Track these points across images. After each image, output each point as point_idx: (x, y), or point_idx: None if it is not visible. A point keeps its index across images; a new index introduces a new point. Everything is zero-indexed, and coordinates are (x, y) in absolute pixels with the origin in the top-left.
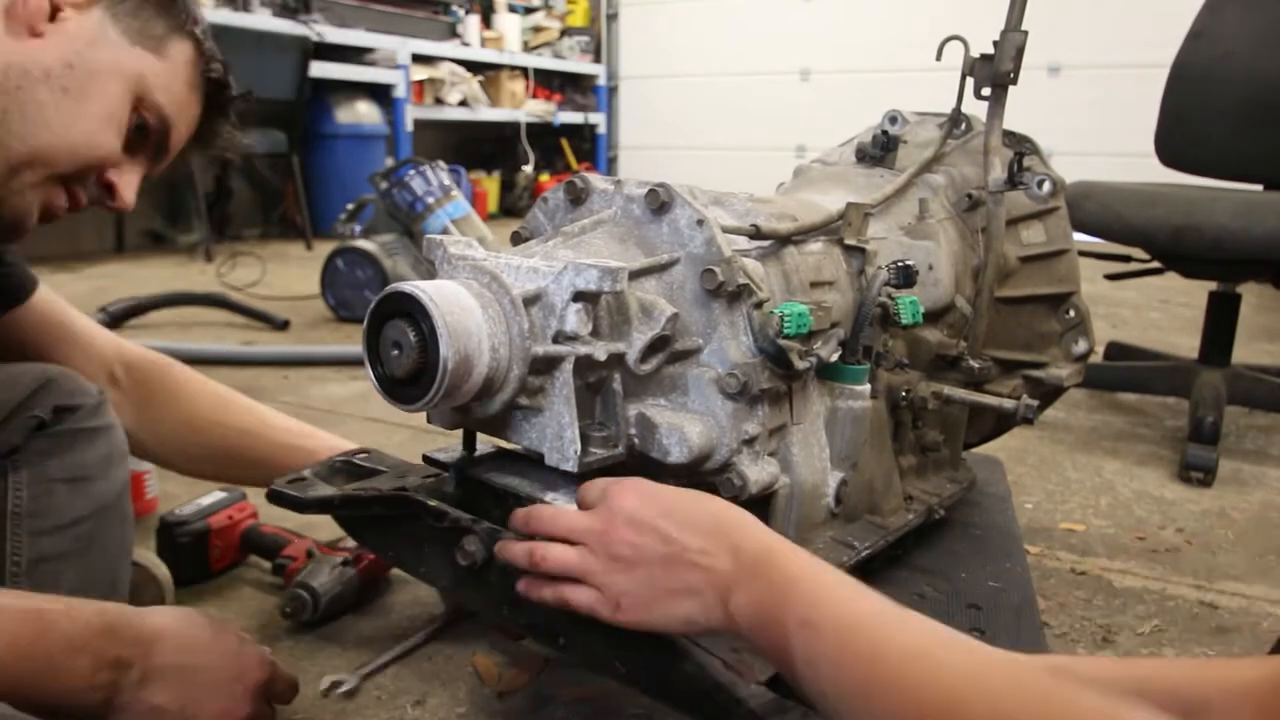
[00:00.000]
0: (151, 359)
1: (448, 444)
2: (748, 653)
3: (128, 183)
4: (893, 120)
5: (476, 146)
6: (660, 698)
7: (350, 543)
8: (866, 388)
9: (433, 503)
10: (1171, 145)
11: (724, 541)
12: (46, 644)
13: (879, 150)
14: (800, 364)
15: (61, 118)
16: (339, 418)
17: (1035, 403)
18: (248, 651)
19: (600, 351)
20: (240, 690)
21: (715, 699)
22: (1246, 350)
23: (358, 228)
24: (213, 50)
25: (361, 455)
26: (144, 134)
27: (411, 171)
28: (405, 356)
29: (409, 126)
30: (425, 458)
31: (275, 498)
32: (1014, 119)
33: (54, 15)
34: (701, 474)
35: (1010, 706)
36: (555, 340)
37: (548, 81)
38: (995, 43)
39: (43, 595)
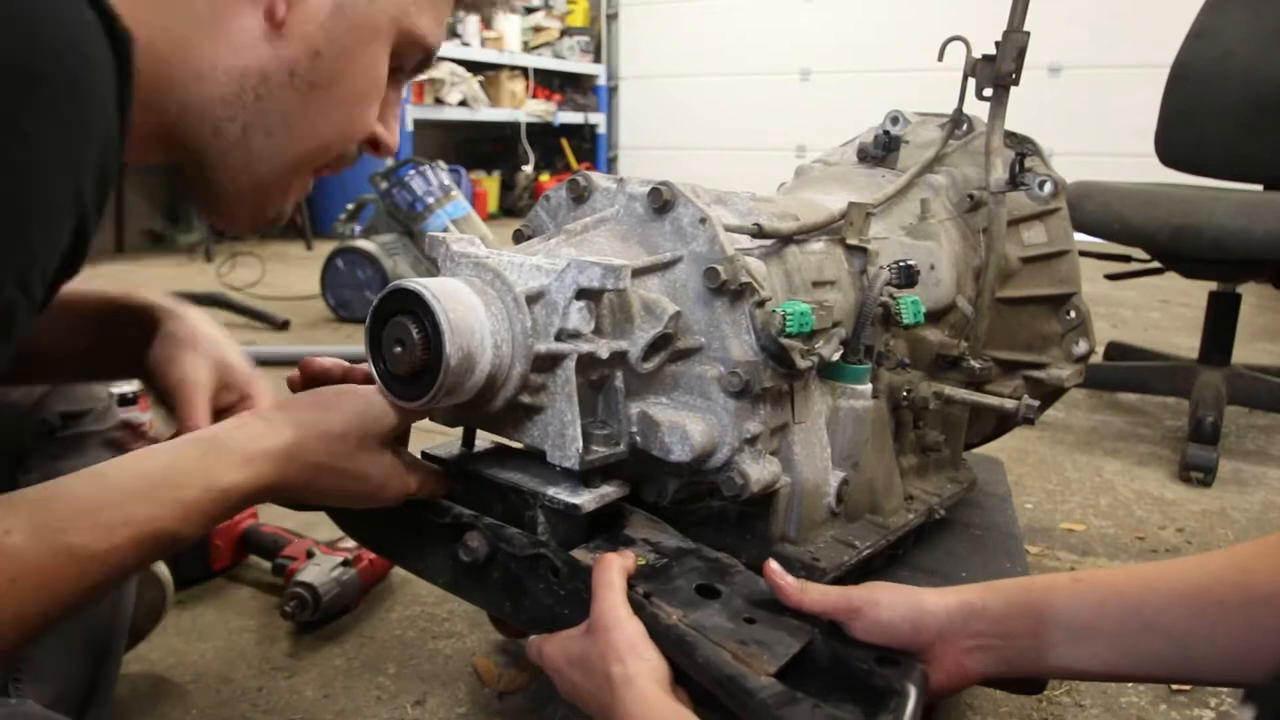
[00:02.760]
0: None
1: (446, 441)
2: (756, 644)
3: (390, 126)
4: (894, 120)
5: (476, 146)
6: None
7: (350, 543)
8: (868, 387)
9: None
10: (1171, 145)
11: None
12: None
13: (880, 150)
14: (802, 363)
15: (311, 118)
16: None
17: (1036, 403)
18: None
19: (603, 349)
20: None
21: (726, 690)
22: (1246, 350)
23: (358, 228)
24: None
25: None
26: (401, 64)
27: (411, 171)
28: (408, 354)
29: (409, 126)
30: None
31: None
32: (1015, 119)
33: None
34: (703, 473)
35: None
36: (558, 338)
37: (548, 81)
38: (997, 43)
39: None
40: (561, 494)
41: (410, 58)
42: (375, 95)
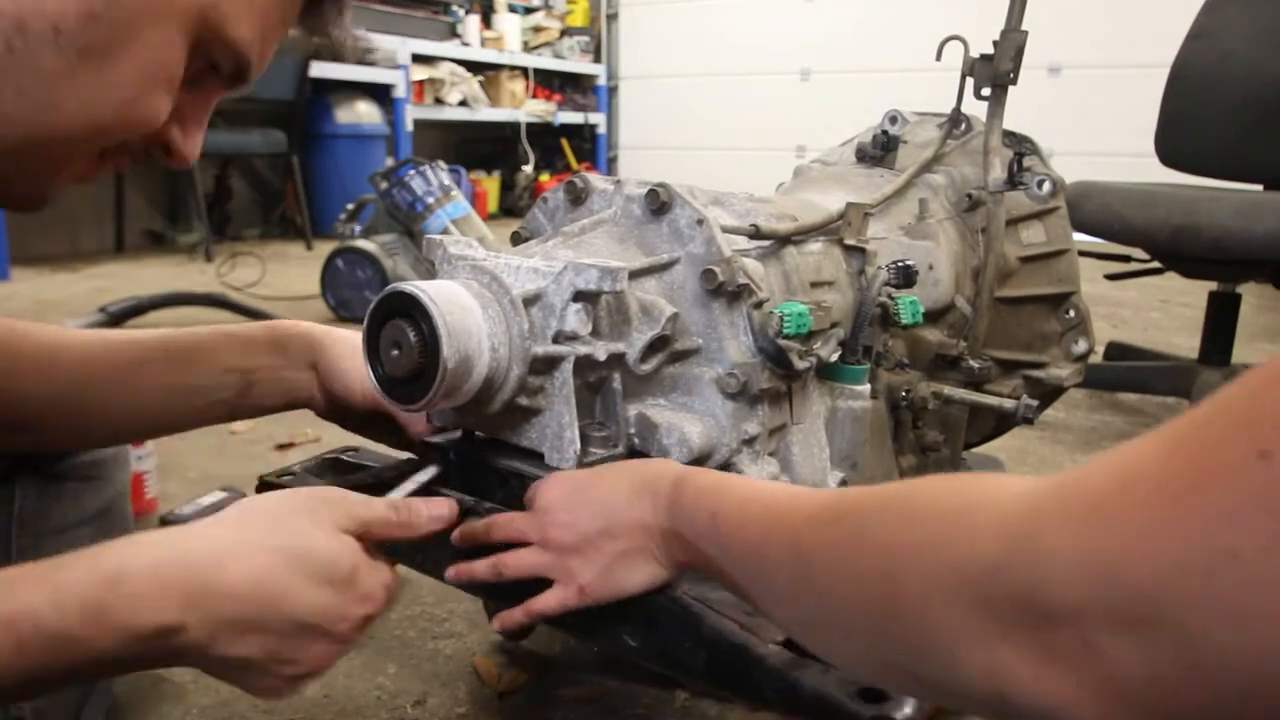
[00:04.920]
0: None
1: (446, 435)
2: (760, 616)
3: (190, 134)
4: (893, 120)
5: (476, 146)
6: (674, 667)
7: None
8: (866, 388)
9: (435, 468)
10: (1171, 145)
11: (644, 492)
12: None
13: (879, 150)
14: (800, 364)
15: (80, 90)
16: None
17: (1035, 403)
18: (363, 582)
19: (600, 351)
20: (346, 629)
21: (734, 658)
22: (1246, 350)
23: (358, 228)
24: None
25: (349, 452)
26: (213, 71)
27: (411, 171)
28: (405, 356)
29: (409, 126)
30: (424, 443)
31: (265, 490)
32: (1014, 119)
33: None
34: None
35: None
36: (555, 340)
37: (548, 81)
38: (995, 43)
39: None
40: None
41: (222, 61)
42: (164, 84)
